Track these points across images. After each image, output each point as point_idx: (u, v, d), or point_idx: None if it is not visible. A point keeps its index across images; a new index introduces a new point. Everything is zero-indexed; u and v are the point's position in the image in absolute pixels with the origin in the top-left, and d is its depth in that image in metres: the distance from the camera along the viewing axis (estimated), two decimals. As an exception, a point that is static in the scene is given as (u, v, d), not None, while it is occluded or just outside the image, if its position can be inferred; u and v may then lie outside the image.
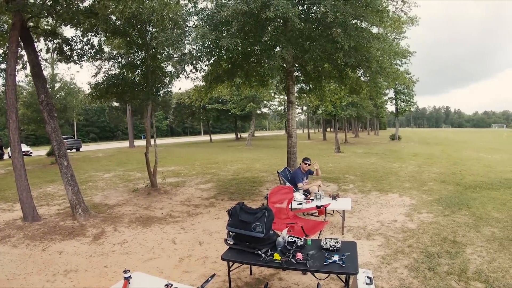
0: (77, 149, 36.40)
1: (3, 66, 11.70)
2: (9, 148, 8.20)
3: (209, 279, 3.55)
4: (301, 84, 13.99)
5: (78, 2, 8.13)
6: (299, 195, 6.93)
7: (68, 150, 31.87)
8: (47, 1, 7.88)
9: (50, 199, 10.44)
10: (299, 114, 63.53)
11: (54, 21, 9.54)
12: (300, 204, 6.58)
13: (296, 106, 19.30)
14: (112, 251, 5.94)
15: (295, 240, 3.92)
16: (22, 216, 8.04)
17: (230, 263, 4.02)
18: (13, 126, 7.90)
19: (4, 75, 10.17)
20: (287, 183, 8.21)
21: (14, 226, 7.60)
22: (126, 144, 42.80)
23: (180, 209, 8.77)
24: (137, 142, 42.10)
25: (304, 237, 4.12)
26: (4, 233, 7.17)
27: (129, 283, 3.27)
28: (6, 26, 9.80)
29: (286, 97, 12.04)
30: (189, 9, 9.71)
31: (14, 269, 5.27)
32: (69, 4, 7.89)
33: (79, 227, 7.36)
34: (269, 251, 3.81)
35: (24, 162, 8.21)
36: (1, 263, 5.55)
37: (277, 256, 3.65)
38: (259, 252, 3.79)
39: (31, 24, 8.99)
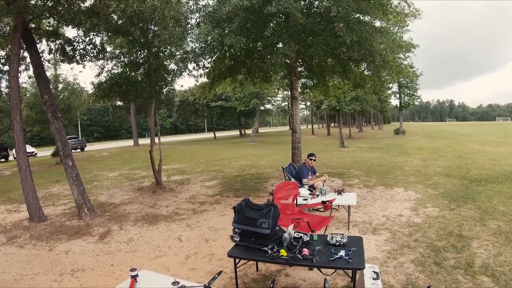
0: (82, 149, 36.67)
1: (6, 68, 11.75)
2: (14, 150, 8.26)
3: (216, 276, 3.55)
4: (305, 79, 13.94)
5: (80, 2, 8.12)
6: (304, 191, 6.92)
7: (73, 150, 32.15)
8: (48, 2, 7.87)
9: (55, 199, 10.49)
10: (302, 110, 63.37)
11: (55, 22, 9.55)
12: (306, 199, 6.57)
13: (300, 102, 19.24)
14: (119, 249, 5.97)
15: (301, 236, 3.91)
16: (28, 216, 8.09)
17: (237, 260, 4.03)
18: (17, 128, 7.93)
19: (8, 77, 10.21)
20: (292, 179, 8.20)
21: (20, 227, 7.65)
22: (130, 142, 42.95)
23: (186, 207, 8.79)
24: (142, 141, 42.12)
25: (310, 232, 4.11)
26: (11, 233, 7.22)
27: (136, 281, 3.28)
28: (8, 28, 9.80)
29: (289, 93, 12.00)
30: (191, 6, 9.70)
31: (21, 270, 5.30)
32: (70, 4, 7.89)
33: (85, 227, 7.40)
34: (275, 247, 3.80)
35: (29, 163, 8.26)
36: (9, 263, 5.60)
37: (283, 252, 3.64)
38: (265, 248, 3.78)
39: (32, 25, 8.99)
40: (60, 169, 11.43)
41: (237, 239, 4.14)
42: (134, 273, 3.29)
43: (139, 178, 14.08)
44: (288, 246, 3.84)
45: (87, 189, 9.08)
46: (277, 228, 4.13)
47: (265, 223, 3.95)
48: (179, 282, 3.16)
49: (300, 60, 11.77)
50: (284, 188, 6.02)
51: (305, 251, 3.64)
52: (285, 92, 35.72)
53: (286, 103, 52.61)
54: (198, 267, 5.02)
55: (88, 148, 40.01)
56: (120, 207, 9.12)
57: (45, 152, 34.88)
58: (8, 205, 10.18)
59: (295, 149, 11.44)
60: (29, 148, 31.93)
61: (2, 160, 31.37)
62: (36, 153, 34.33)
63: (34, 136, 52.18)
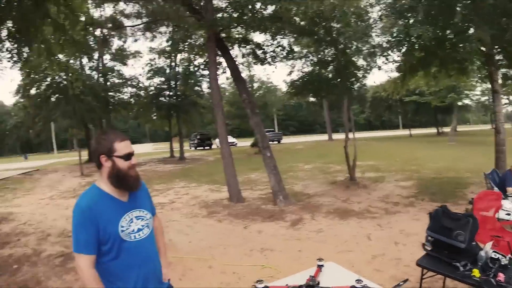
0: (278, 141, 39.61)
1: (206, 72, 13.80)
2: (217, 139, 9.95)
3: (401, 283, 3.43)
4: (505, 69, 11.72)
5: (262, 10, 8.80)
6: (508, 204, 5.84)
7: (270, 142, 35.28)
8: (234, 14, 8.87)
9: (253, 185, 11.85)
10: (506, 105, 52.55)
11: (243, 30, 10.63)
12: (509, 214, 5.61)
13: (502, 96, 16.32)
14: (308, 238, 6.32)
15: (499, 257, 3.39)
16: (228, 196, 9.49)
17: (424, 271, 3.84)
18: (220, 122, 9.46)
19: (208, 79, 12.09)
20: (495, 188, 7.11)
21: (220, 205, 9.06)
22: (324, 137, 43.85)
23: (378, 205, 8.58)
24: (335, 136, 42.37)
25: (509, 255, 3.55)
26: (212, 209, 8.65)
27: (321, 271, 3.33)
28: (202, 39, 11.56)
29: (489, 86, 10.40)
30: (369, 0, 9.52)
31: (216, 240, 6.30)
32: (254, 13, 8.63)
33: (278, 212, 8.12)
34: (468, 264, 3.43)
35: (231, 152, 9.66)
36: (207, 233, 6.76)
37: (476, 273, 3.21)
38: (457, 264, 3.49)
39: (223, 34, 10.20)
40: (258, 159, 12.73)
41: (429, 248, 3.94)
42: (321, 263, 3.39)
43: (333, 172, 14.42)
44: (483, 266, 3.40)
45: (282, 179, 9.73)
46: (474, 243, 3.75)
47: (461, 235, 3.61)
48: (362, 281, 3.06)
49: (497, 47, 10.02)
50: (485, 198, 5.29)
51: (501, 276, 3.12)
52: (484, 85, 30.34)
53: (486, 97, 44.82)
54: (383, 269, 4.94)
55: (284, 140, 42.67)
56: (313, 198, 9.59)
57: (244, 143, 38.69)
58: (212, 185, 12.18)
59: (499, 153, 9.65)
60: (231, 139, 36.41)
61: (207, 148, 37.87)
62: (236, 143, 38.63)
63: (234, 129, 58.92)
